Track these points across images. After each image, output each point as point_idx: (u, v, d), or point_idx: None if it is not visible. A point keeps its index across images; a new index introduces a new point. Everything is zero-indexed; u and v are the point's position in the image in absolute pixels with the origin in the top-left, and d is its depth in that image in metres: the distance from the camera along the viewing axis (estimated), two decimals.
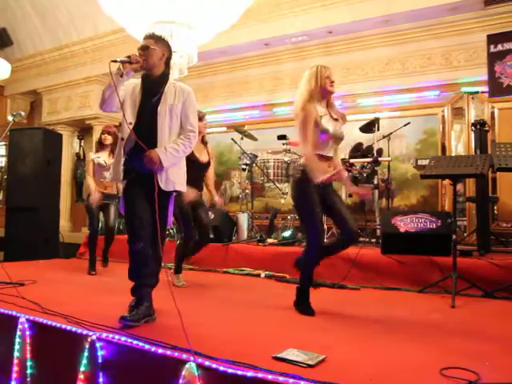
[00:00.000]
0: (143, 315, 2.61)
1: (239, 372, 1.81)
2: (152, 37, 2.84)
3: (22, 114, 4.57)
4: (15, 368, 2.57)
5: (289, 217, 6.05)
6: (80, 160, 10.01)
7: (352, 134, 5.77)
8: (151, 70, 2.82)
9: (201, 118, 3.93)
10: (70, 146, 9.86)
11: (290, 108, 7.48)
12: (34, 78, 9.84)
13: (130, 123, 2.76)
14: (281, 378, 1.74)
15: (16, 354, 2.58)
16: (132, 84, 2.85)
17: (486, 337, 2.59)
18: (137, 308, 2.65)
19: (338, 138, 3.17)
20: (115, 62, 2.67)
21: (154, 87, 2.82)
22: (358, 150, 5.91)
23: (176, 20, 4.86)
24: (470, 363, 1.96)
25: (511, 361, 2.12)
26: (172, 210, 2.92)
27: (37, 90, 9.95)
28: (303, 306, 3.12)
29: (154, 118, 2.76)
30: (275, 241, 5.50)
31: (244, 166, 6.02)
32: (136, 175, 2.77)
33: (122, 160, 2.80)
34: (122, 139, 2.81)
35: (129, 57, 2.69)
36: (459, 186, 5.77)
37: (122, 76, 2.70)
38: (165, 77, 2.86)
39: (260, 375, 1.78)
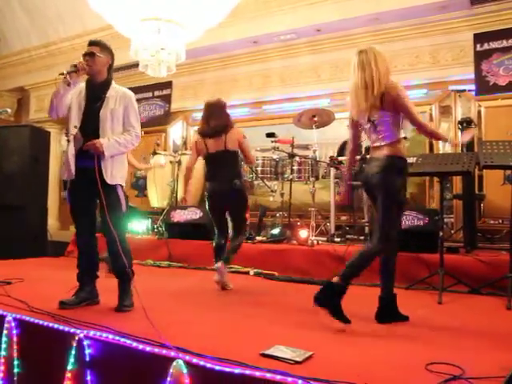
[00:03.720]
0: (84, 299, 3.00)
1: (227, 369, 1.82)
2: (98, 44, 3.05)
3: (9, 111, 4.54)
4: (2, 367, 2.55)
5: (278, 214, 6.06)
6: None
7: (340, 132, 5.78)
8: (95, 76, 3.04)
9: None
10: (58, 144, 9.78)
11: (278, 106, 7.57)
12: (21, 74, 9.73)
13: (75, 126, 3.00)
14: (268, 375, 1.75)
15: (2, 353, 2.56)
16: (78, 88, 3.06)
17: (472, 332, 2.63)
18: (77, 293, 3.02)
19: None
20: (63, 74, 2.89)
21: (97, 92, 3.04)
22: (346, 148, 5.93)
23: (164, 17, 4.84)
24: (456, 358, 1.99)
25: (496, 355, 2.14)
26: (124, 200, 3.10)
27: (24, 86, 9.84)
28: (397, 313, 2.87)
29: (96, 122, 2.99)
30: (264, 238, 5.52)
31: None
32: (82, 172, 2.97)
33: (73, 159, 2.99)
34: (68, 141, 3.03)
35: (75, 66, 2.90)
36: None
37: (69, 85, 2.92)
38: (107, 83, 3.09)
39: (247, 372, 1.79)
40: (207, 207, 4.13)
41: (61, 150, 9.93)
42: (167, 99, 8.49)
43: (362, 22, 6.41)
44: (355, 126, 3.00)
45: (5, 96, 10.22)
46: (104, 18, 5.36)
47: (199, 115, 8.23)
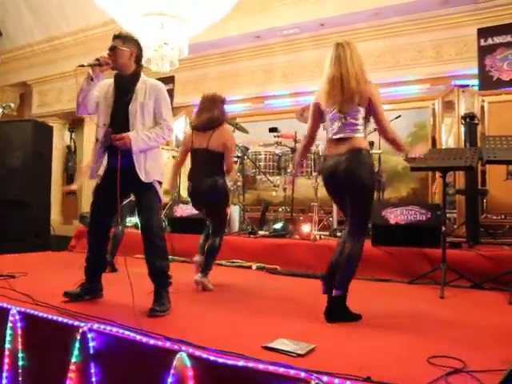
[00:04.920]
0: (88, 292, 3.02)
1: (230, 361, 1.83)
2: (119, 37, 2.92)
3: (12, 105, 4.54)
4: (6, 360, 2.57)
5: (280, 209, 6.06)
6: (71, 152, 9.95)
7: None
8: (122, 69, 2.92)
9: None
10: (61, 139, 9.80)
11: (281, 100, 7.56)
12: (23, 69, 9.74)
13: (104, 124, 2.89)
14: (271, 367, 1.76)
15: (7, 345, 2.58)
16: (107, 85, 2.96)
17: (474, 326, 2.63)
18: (82, 286, 3.02)
19: None
20: (83, 66, 2.78)
21: (125, 86, 2.91)
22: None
23: (166, 12, 4.84)
24: (458, 352, 2.00)
25: (497, 349, 2.15)
26: (161, 196, 2.99)
27: (27, 81, 9.85)
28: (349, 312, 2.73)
29: (126, 117, 2.85)
30: (266, 233, 5.52)
31: (235, 159, 6.02)
32: (113, 172, 2.83)
33: (98, 159, 2.93)
34: (97, 140, 2.94)
35: (97, 59, 2.79)
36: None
37: (92, 80, 2.81)
38: (136, 75, 2.95)
39: (250, 364, 1.80)
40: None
41: (63, 144, 9.96)
42: (170, 94, 8.40)
43: (364, 17, 6.40)
44: (320, 116, 2.95)
45: (7, 91, 10.24)
46: (107, 12, 5.36)
47: None
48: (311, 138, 3.06)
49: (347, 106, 2.76)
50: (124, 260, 2.88)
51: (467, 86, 6.20)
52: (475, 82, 6.11)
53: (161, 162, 3.04)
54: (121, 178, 2.76)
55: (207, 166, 3.71)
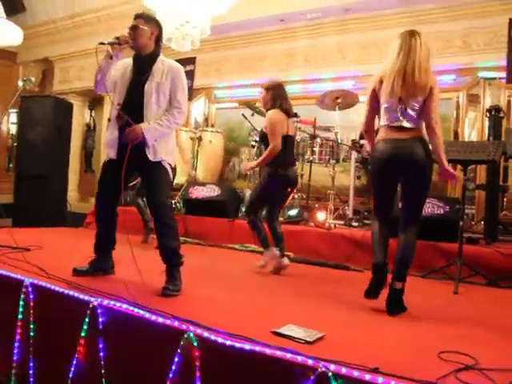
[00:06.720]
0: (98, 268, 3.08)
1: (237, 344, 1.82)
2: (141, 16, 2.92)
3: (33, 79, 4.57)
4: (18, 330, 2.61)
5: (296, 196, 6.02)
6: (90, 130, 10.00)
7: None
8: (141, 49, 2.91)
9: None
10: (81, 117, 9.85)
11: (302, 86, 7.45)
12: (46, 45, 9.76)
13: (118, 104, 2.89)
14: (278, 353, 1.75)
15: (20, 316, 2.62)
16: (125, 64, 2.97)
17: (487, 324, 2.58)
18: (92, 262, 3.08)
19: None
20: (103, 44, 2.78)
21: (143, 66, 2.91)
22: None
23: None
24: (469, 348, 1.96)
25: (510, 348, 2.11)
26: (170, 178, 3.00)
27: (49, 58, 9.88)
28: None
29: (141, 97, 2.85)
30: (281, 219, 5.48)
31: (253, 143, 5.99)
32: (123, 148, 2.83)
33: (116, 140, 2.90)
34: (109, 120, 2.96)
35: (117, 38, 2.80)
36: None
37: (111, 58, 2.82)
38: (154, 55, 2.94)
39: (258, 348, 1.79)
40: (272, 190, 3.85)
41: (83, 122, 10.01)
42: (190, 75, 8.43)
43: (391, 3, 6.24)
44: (377, 102, 2.91)
45: (30, 67, 10.28)
46: None
47: (221, 93, 8.27)
48: (371, 125, 3.03)
49: (409, 98, 2.78)
50: (127, 238, 2.86)
51: (494, 78, 6.02)
52: (503, 74, 5.92)
53: (172, 145, 3.02)
54: (129, 156, 2.76)
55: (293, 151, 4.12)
